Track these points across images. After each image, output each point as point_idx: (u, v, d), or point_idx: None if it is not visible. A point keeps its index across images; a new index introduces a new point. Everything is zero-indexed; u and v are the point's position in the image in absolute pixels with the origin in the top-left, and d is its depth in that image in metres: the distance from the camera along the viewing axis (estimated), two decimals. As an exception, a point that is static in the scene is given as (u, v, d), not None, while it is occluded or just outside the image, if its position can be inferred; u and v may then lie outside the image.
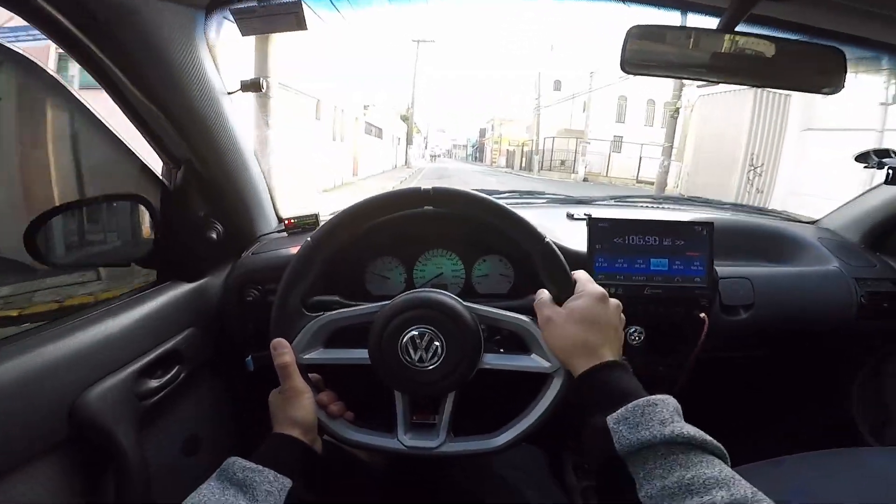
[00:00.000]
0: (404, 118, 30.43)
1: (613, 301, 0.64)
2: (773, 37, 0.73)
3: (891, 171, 1.10)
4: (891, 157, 1.11)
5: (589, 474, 1.10)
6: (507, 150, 38.82)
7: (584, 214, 0.99)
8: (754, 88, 7.22)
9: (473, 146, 72.44)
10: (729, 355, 1.16)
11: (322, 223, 0.71)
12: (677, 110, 11.97)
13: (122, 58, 0.65)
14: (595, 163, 22.26)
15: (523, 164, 31.70)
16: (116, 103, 0.74)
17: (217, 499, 0.51)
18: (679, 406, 0.52)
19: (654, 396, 0.52)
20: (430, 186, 0.69)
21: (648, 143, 20.65)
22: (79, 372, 0.65)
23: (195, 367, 0.87)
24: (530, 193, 1.42)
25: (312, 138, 11.07)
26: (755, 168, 9.25)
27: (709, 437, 0.48)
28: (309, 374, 0.70)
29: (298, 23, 0.74)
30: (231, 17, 0.72)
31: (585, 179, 20.55)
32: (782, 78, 0.75)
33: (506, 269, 1.00)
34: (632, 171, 20.09)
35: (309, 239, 0.69)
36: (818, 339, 1.21)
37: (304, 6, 0.72)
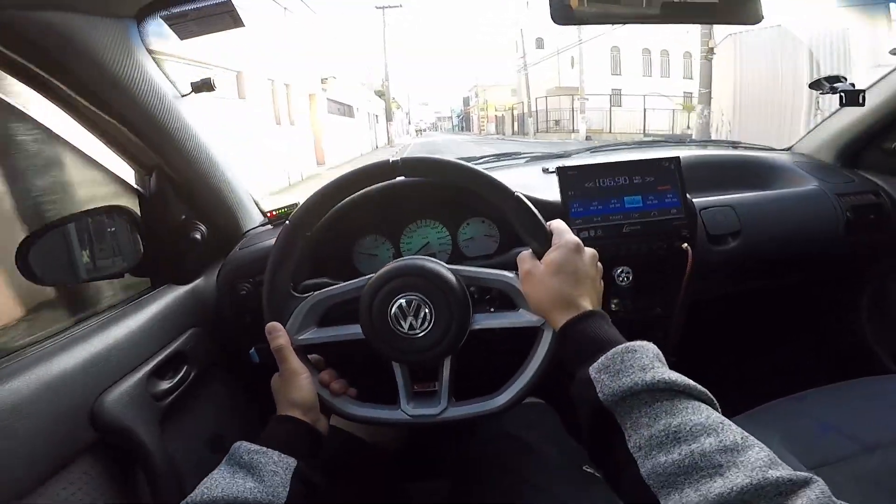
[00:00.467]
0: (380, 93, 28.63)
1: (589, 250, 0.64)
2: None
3: (843, 94, 1.12)
4: (841, 81, 1.14)
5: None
6: (496, 115, 37.74)
7: (556, 167, 0.99)
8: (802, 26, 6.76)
9: (459, 116, 70.92)
10: (725, 291, 1.17)
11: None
12: (711, 50, 10.74)
13: (68, 76, 0.66)
14: (595, 119, 21.31)
15: (515, 129, 30.91)
16: (74, 119, 0.75)
17: (227, 482, 0.52)
18: (660, 352, 0.51)
19: (632, 343, 0.51)
20: (397, 158, 0.70)
21: (651, 93, 20.22)
22: (93, 377, 0.68)
23: (205, 367, 0.90)
24: (508, 155, 1.42)
25: (238, 124, 8.29)
26: (821, 111, 8.69)
27: (692, 382, 0.47)
28: (309, 356, 0.71)
29: (235, 21, 0.73)
30: (166, 23, 0.71)
31: (588, 138, 19.18)
32: (707, 12, 0.75)
33: (490, 229, 1.01)
34: (636, 124, 19.35)
35: (287, 222, 0.70)
36: (811, 262, 1.20)
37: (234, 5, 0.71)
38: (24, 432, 0.56)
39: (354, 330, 0.69)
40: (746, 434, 0.42)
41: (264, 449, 0.57)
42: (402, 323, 0.66)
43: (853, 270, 1.31)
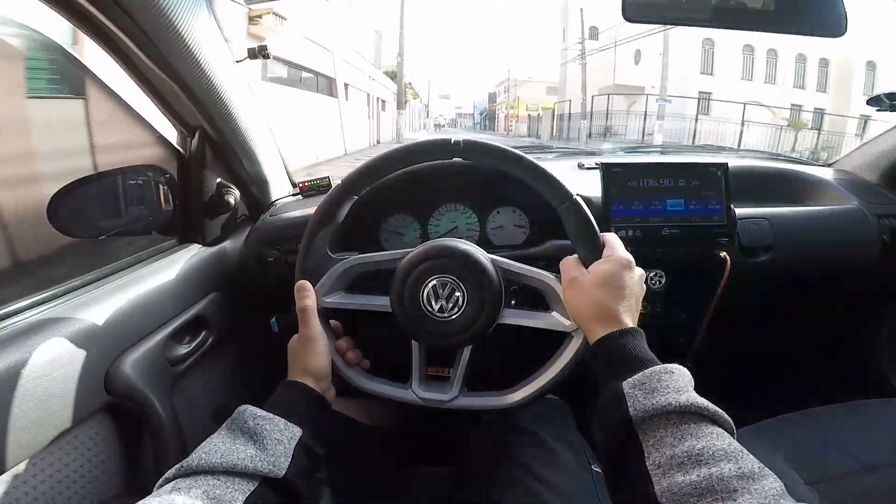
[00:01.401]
0: (392, 74, 22.00)
1: (639, 270, 0.63)
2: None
3: None
4: None
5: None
6: (529, 115, 31.83)
7: (595, 163, 0.98)
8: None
9: (481, 113, 63.57)
10: (751, 304, 1.15)
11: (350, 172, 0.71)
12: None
13: (134, 30, 0.65)
14: (671, 129, 16.46)
15: (554, 133, 25.09)
16: (128, 74, 0.74)
17: (227, 447, 0.50)
18: (692, 378, 0.51)
19: (670, 365, 0.52)
20: (460, 138, 0.68)
21: (751, 101, 16.25)
22: (112, 339, 0.67)
23: (222, 332, 0.90)
24: (540, 148, 1.41)
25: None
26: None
27: (720, 411, 0.47)
28: (329, 321, 0.70)
29: None
30: None
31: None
32: (783, 23, 0.72)
33: (520, 219, 1.00)
34: (725, 137, 15.52)
35: (339, 182, 0.69)
36: (840, 283, 1.19)
37: None
38: (36, 393, 0.55)
39: (383, 301, 0.67)
40: (763, 465, 0.43)
41: (270, 415, 0.55)
42: (433, 304, 0.65)
43: (883, 294, 1.29)
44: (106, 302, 0.67)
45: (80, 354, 0.61)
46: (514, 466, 0.71)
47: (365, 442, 0.85)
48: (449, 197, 1.00)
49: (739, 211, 1.05)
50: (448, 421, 0.81)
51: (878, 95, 1.14)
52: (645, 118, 17.02)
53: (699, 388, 0.49)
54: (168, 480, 0.47)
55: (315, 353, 0.64)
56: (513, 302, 0.71)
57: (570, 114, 22.75)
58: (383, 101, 22.06)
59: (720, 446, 0.43)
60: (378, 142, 19.53)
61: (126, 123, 0.81)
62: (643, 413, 0.47)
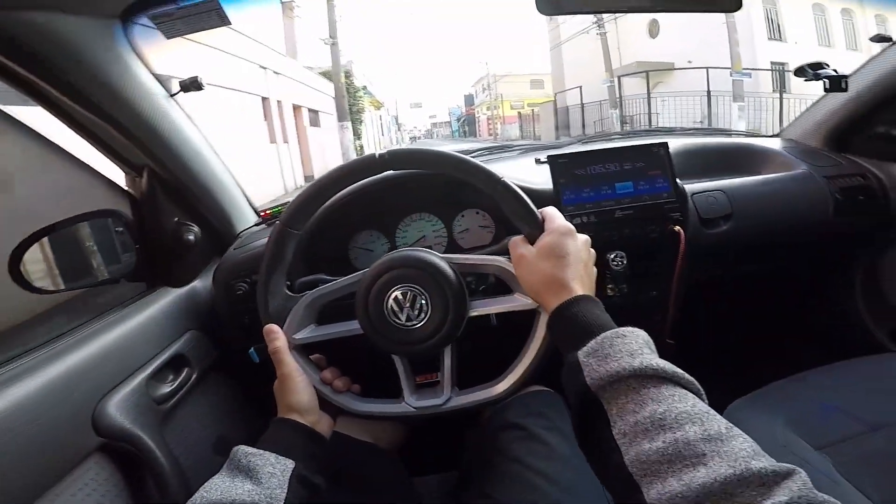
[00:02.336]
0: (326, 74, 14.82)
1: (582, 236, 0.64)
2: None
3: (826, 81, 1.15)
4: (824, 68, 1.17)
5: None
6: (520, 113, 25.65)
7: (547, 156, 1.00)
8: None
9: (459, 119, 55.85)
10: (719, 274, 1.18)
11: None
12: None
13: (52, 77, 0.66)
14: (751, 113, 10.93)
15: (560, 131, 18.38)
16: (61, 121, 0.75)
17: (227, 486, 0.53)
18: (650, 339, 0.50)
19: (622, 328, 0.50)
20: (384, 151, 0.69)
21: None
22: (92, 383, 0.68)
23: (205, 369, 0.90)
24: (501, 148, 1.42)
25: None
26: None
27: (680, 370, 0.46)
28: (312, 355, 0.71)
29: (222, 19, 0.72)
30: (151, 23, 0.71)
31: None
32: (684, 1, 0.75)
33: (484, 220, 1.02)
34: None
35: (277, 222, 0.70)
36: (802, 244, 1.22)
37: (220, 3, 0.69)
38: (25, 439, 0.56)
39: (353, 326, 0.68)
40: (731, 424, 0.41)
41: (261, 451, 0.57)
42: (400, 315, 0.66)
43: (845, 251, 1.33)
44: (81, 350, 0.68)
45: (62, 400, 0.62)
46: (510, 463, 0.71)
47: (376, 460, 0.86)
48: (412, 207, 1.01)
49: (695, 185, 1.08)
50: (445, 426, 0.81)
51: (803, 66, 1.19)
52: (710, 98, 11.96)
53: (684, 365, 0.47)
54: None
55: (294, 390, 0.65)
56: (485, 296, 0.72)
57: (582, 104, 16.91)
58: (314, 112, 14.82)
59: (683, 408, 0.42)
60: (309, 177, 12.48)
61: (67, 170, 0.81)
62: (599, 381, 0.47)
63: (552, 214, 0.65)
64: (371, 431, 0.91)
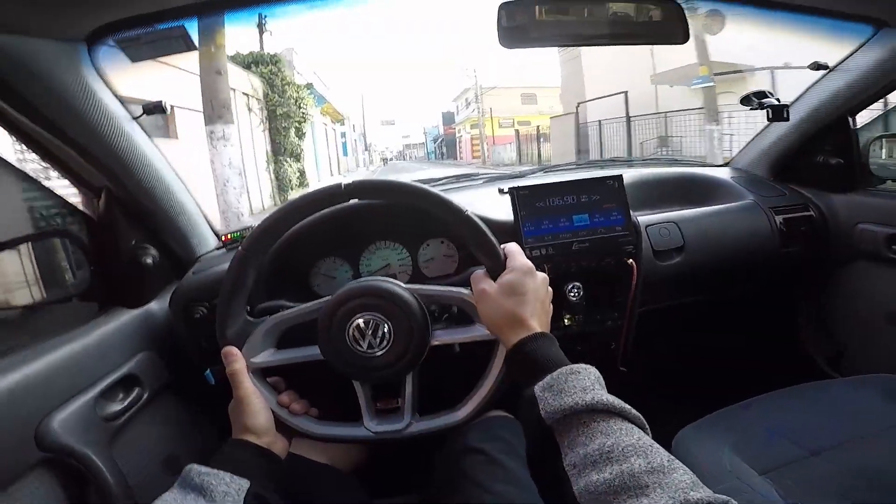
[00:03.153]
0: (244, 61, 9.48)
1: (541, 274, 0.66)
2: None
3: (769, 110, 1.20)
4: (768, 97, 1.21)
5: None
6: (518, 131, 19.75)
7: (508, 188, 1.03)
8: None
9: (435, 140, 50.27)
10: (671, 304, 1.21)
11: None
12: None
13: (14, 97, 0.66)
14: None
15: (582, 153, 12.01)
16: (17, 139, 0.74)
17: (179, 503, 0.52)
18: (601, 376, 0.53)
19: (576, 365, 0.53)
20: (349, 181, 0.70)
21: None
22: (36, 399, 0.67)
23: (158, 389, 0.89)
24: (467, 176, 1.46)
25: None
26: None
27: (627, 406, 0.49)
28: (269, 378, 0.71)
29: (188, 45, 0.74)
30: (118, 47, 0.71)
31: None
32: (639, 35, 0.81)
33: (449, 249, 1.04)
34: None
35: (239, 248, 0.70)
36: (750, 275, 1.27)
37: (186, 29, 0.70)
38: None
39: (313, 351, 0.69)
40: (672, 457, 0.44)
41: (215, 471, 0.56)
42: (361, 343, 0.66)
43: (791, 281, 1.39)
44: (25, 367, 0.68)
45: (3, 414, 0.62)
46: (470, 487, 0.72)
47: (333, 482, 0.86)
48: (377, 235, 1.02)
49: (648, 217, 1.12)
50: (406, 449, 0.82)
51: (748, 95, 1.24)
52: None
53: (635, 393, 0.51)
54: None
55: (250, 412, 0.65)
56: (446, 325, 0.74)
57: (627, 116, 11.47)
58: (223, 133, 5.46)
59: (629, 442, 0.44)
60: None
61: (16, 188, 0.81)
62: (553, 414, 0.49)
63: (514, 252, 0.67)
64: (329, 453, 0.91)
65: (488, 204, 1.06)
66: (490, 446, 0.78)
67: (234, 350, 0.67)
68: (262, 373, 0.69)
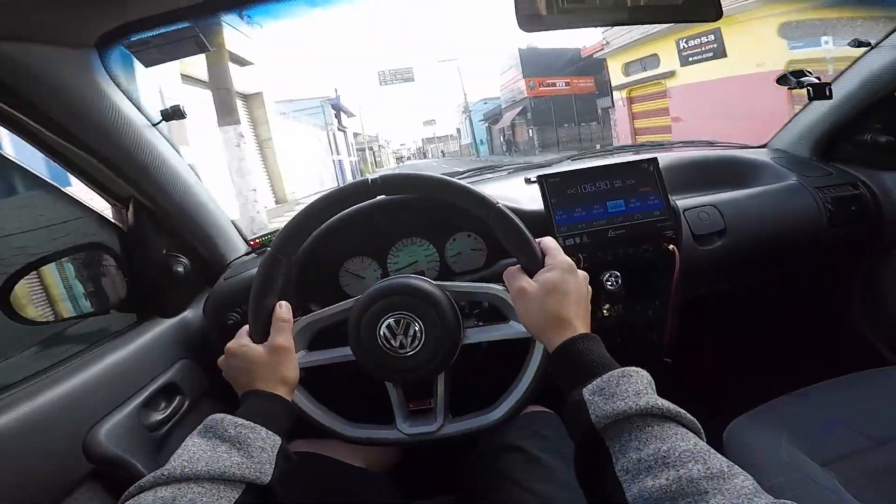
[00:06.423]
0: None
1: (581, 272, 0.63)
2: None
3: (810, 89, 1.15)
4: (806, 76, 1.16)
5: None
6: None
7: (537, 176, 1.00)
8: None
9: (487, 118, 32.86)
10: (716, 290, 1.17)
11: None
12: None
13: (31, 109, 0.66)
14: None
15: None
16: (43, 153, 0.75)
17: (209, 455, 0.50)
18: (652, 380, 0.51)
19: (627, 368, 0.51)
20: (376, 176, 0.69)
21: None
22: (81, 411, 0.68)
23: (198, 396, 0.90)
24: (491, 168, 1.43)
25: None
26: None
27: (682, 411, 0.47)
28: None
29: (200, 46, 0.72)
30: (129, 51, 0.70)
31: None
32: (670, 12, 0.76)
33: (476, 243, 1.01)
34: None
35: (268, 250, 0.69)
36: (797, 256, 1.21)
37: (198, 30, 0.69)
38: (14, 469, 0.57)
39: (345, 352, 0.68)
40: (732, 463, 0.42)
41: (252, 424, 0.55)
42: (392, 342, 0.65)
43: (841, 262, 1.32)
44: (70, 380, 0.69)
45: (51, 429, 0.63)
46: (509, 486, 0.71)
47: (369, 485, 0.86)
48: (404, 232, 1.01)
49: (687, 201, 1.08)
50: (441, 449, 0.81)
51: (786, 74, 1.19)
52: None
53: (680, 383, 0.48)
54: (143, 488, 0.46)
55: (290, 364, 0.65)
56: (480, 323, 0.72)
57: None
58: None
59: (685, 447, 0.43)
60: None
61: (51, 204, 0.82)
62: (604, 419, 0.47)
63: (552, 248, 0.64)
64: (363, 455, 0.90)
65: (516, 194, 1.04)
66: (529, 443, 0.76)
67: (287, 305, 0.67)
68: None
